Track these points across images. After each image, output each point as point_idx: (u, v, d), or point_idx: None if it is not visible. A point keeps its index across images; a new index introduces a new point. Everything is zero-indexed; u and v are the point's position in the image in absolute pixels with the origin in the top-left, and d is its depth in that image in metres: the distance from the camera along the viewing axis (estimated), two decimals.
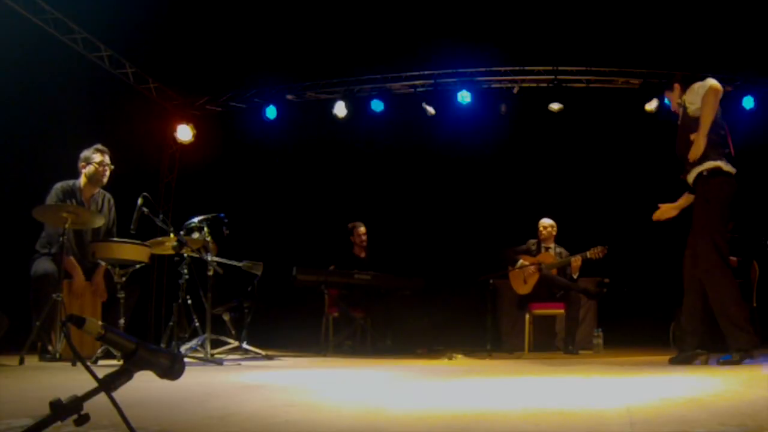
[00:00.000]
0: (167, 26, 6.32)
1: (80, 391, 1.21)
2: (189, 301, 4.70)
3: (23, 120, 5.46)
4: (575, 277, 6.03)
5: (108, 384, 1.23)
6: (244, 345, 4.92)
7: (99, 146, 4.72)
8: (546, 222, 6.35)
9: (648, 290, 7.01)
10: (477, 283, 6.13)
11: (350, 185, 8.04)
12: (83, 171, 4.70)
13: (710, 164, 3.80)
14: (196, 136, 7.83)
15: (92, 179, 4.68)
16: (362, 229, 6.90)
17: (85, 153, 4.70)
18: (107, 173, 4.72)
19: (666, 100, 7.04)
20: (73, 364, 3.67)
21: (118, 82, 7.12)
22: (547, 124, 7.30)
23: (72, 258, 4.43)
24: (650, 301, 6.85)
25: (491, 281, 6.01)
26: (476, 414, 1.87)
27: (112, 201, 4.88)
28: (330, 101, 7.72)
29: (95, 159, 4.67)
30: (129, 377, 1.27)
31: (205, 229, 4.58)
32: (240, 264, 4.97)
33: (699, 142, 3.74)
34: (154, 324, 7.67)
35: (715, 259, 3.66)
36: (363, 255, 6.91)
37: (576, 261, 5.93)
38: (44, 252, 4.50)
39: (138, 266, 4.29)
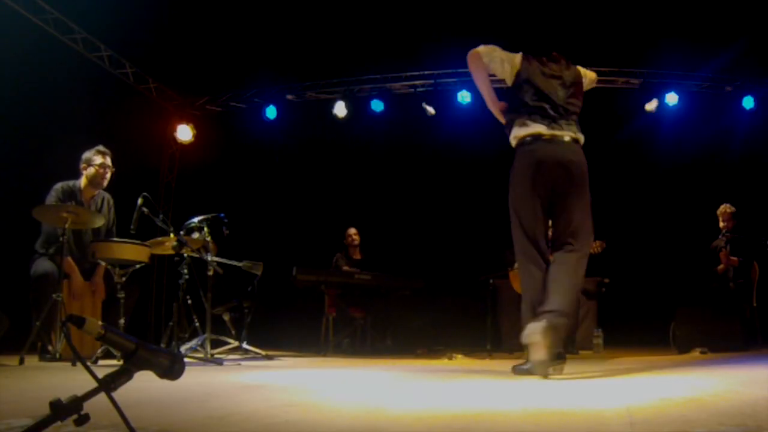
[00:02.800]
0: (167, 26, 6.32)
1: (80, 391, 1.21)
2: (189, 301, 4.70)
3: (23, 120, 5.46)
4: None
5: (108, 384, 1.23)
6: (244, 345, 4.92)
7: (101, 148, 4.71)
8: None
9: (648, 290, 7.01)
10: (477, 283, 6.12)
11: (350, 185, 8.04)
12: (84, 172, 4.69)
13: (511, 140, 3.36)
14: (196, 136, 7.83)
15: (92, 181, 4.67)
16: (352, 231, 6.98)
17: (87, 154, 4.70)
18: (108, 176, 4.71)
19: (666, 100, 7.11)
20: (73, 364, 3.67)
21: (118, 82, 7.12)
22: None
23: (69, 258, 4.41)
24: (650, 301, 6.85)
25: (491, 281, 6.01)
26: (476, 414, 1.87)
27: (111, 202, 4.88)
28: (330, 101, 7.72)
29: (96, 161, 4.66)
30: (129, 377, 1.27)
31: (205, 229, 4.58)
32: (240, 264, 4.97)
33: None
34: (154, 324, 7.67)
35: (515, 250, 3.31)
36: (358, 257, 6.93)
37: None
38: (44, 252, 4.50)
39: (138, 266, 4.29)
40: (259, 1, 6.53)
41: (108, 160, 4.71)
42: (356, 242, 6.97)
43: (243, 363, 4.40)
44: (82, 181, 4.70)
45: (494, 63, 3.37)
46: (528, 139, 3.24)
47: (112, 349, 2.93)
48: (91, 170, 4.66)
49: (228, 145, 8.24)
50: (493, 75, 3.45)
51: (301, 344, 6.43)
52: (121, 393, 1.24)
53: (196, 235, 4.59)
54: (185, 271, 4.59)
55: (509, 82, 3.41)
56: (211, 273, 4.53)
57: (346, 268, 6.74)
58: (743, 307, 5.78)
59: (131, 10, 5.64)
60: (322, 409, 2.03)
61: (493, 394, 2.46)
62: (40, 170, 5.26)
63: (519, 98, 3.34)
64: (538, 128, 3.22)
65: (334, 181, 8.08)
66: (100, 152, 4.68)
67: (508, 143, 3.40)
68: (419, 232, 7.93)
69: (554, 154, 3.20)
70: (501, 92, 3.44)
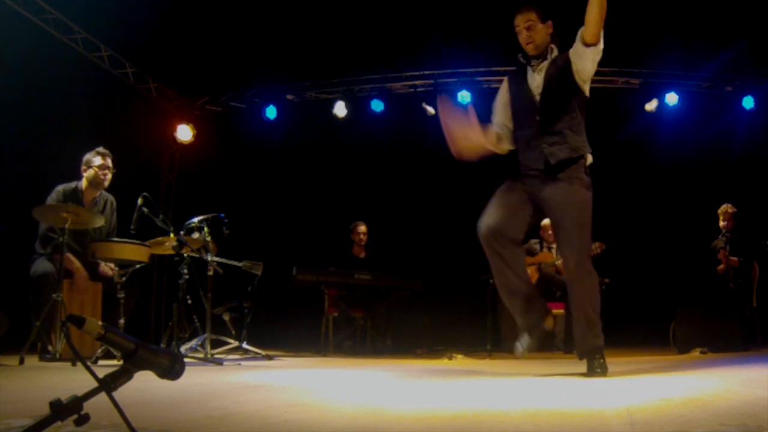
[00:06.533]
0: (167, 26, 6.32)
1: (80, 391, 1.21)
2: (189, 301, 4.70)
3: (23, 120, 5.46)
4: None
5: (108, 384, 1.23)
6: (244, 345, 4.92)
7: (101, 149, 4.70)
8: (546, 223, 6.35)
9: (648, 290, 7.01)
10: (477, 283, 6.12)
11: (350, 185, 8.04)
12: (84, 174, 4.69)
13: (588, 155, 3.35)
14: (196, 136, 7.83)
15: (93, 183, 4.67)
16: (362, 228, 6.92)
17: (87, 156, 4.69)
18: (108, 177, 4.70)
19: (666, 100, 7.11)
20: (73, 364, 3.67)
21: (118, 82, 7.12)
22: None
23: (68, 254, 4.38)
24: (650, 301, 6.85)
25: (491, 281, 5.99)
26: (476, 414, 1.87)
27: (114, 204, 4.87)
28: (330, 101, 7.72)
29: (96, 162, 4.65)
30: (129, 377, 1.26)
31: (205, 229, 4.58)
32: (240, 264, 4.97)
33: None
34: (154, 324, 7.67)
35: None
36: (362, 255, 6.91)
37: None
38: (43, 252, 4.50)
39: (138, 266, 4.30)
40: (259, 2, 6.52)
41: (108, 161, 4.70)
42: (363, 241, 6.93)
43: (243, 363, 4.41)
44: (83, 183, 4.69)
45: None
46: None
47: (112, 349, 2.92)
48: (91, 172, 4.66)
49: (228, 145, 8.23)
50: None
51: (301, 344, 6.42)
52: (121, 393, 1.24)
53: (196, 235, 4.59)
54: (185, 271, 4.58)
55: (588, 90, 3.19)
56: (211, 273, 4.53)
57: (332, 269, 6.67)
58: (743, 307, 5.77)
59: (131, 10, 5.64)
60: (321, 409, 2.03)
61: (493, 394, 2.46)
62: (40, 170, 5.26)
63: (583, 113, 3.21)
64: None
65: (334, 182, 8.07)
66: (100, 153, 4.68)
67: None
68: (419, 233, 7.92)
69: None
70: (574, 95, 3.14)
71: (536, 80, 3.14)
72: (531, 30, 3.09)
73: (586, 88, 3.14)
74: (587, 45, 2.93)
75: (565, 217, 3.10)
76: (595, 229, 6.75)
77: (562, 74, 3.08)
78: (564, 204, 3.08)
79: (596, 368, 3.00)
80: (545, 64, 3.13)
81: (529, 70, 3.17)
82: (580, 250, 3.10)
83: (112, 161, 4.73)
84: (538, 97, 3.11)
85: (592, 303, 3.10)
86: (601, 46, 2.94)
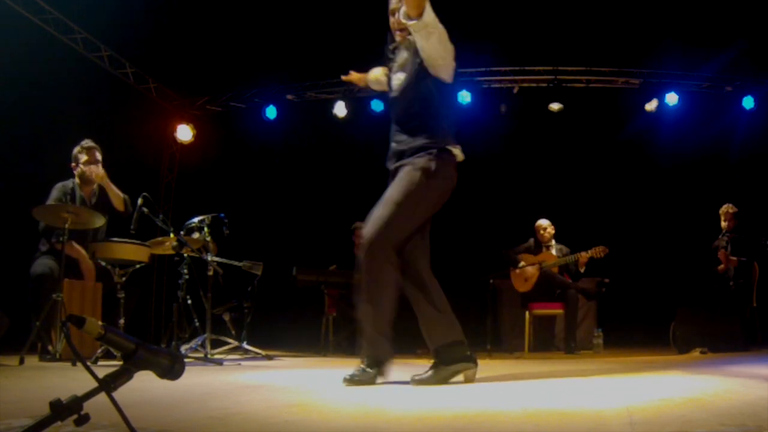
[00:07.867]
0: (167, 26, 6.32)
1: (80, 391, 1.21)
2: (189, 301, 4.70)
3: (23, 120, 5.46)
4: (582, 270, 6.04)
5: (108, 384, 1.23)
6: (244, 345, 4.92)
7: (86, 143, 4.61)
8: (543, 223, 6.35)
9: (648, 290, 7.01)
10: (477, 283, 6.12)
11: (350, 185, 8.04)
12: (75, 171, 4.67)
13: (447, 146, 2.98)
14: (196, 136, 7.83)
15: (82, 179, 4.64)
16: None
17: (74, 152, 4.64)
18: (98, 171, 4.56)
19: (666, 100, 7.11)
20: (73, 364, 3.67)
21: (118, 82, 7.12)
22: (547, 124, 7.30)
23: (72, 242, 4.30)
24: (650, 301, 6.85)
25: (491, 281, 6.01)
26: (476, 414, 1.87)
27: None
28: (330, 101, 7.72)
29: (81, 159, 4.61)
30: (129, 377, 1.26)
31: (205, 229, 4.58)
32: (240, 264, 4.97)
33: None
34: (154, 324, 7.67)
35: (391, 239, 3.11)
36: None
37: (583, 257, 5.93)
38: (46, 250, 4.49)
39: (138, 266, 4.29)
40: (259, 2, 6.52)
41: (95, 155, 4.60)
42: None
43: (243, 363, 4.40)
44: (77, 179, 4.67)
45: (443, 36, 2.69)
46: (458, 162, 2.89)
47: (112, 349, 2.92)
48: (79, 170, 4.63)
49: (228, 145, 8.24)
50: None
51: (301, 344, 6.42)
52: (121, 393, 1.24)
53: (196, 235, 4.59)
54: (185, 271, 4.59)
55: (448, 76, 2.79)
56: (211, 273, 4.53)
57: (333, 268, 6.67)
58: (743, 307, 5.77)
59: (131, 10, 5.64)
60: (322, 410, 2.03)
61: (493, 394, 2.46)
62: (40, 170, 5.26)
63: (449, 103, 2.88)
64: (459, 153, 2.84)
65: (334, 181, 8.08)
66: (84, 149, 4.59)
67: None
68: None
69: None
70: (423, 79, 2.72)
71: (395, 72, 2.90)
72: (396, 15, 2.72)
73: (442, 74, 2.76)
74: (410, 19, 2.60)
75: (384, 194, 2.79)
76: (596, 229, 6.74)
77: (412, 64, 2.81)
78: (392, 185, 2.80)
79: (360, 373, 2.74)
80: (404, 53, 2.85)
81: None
82: (378, 225, 2.80)
83: (101, 153, 4.64)
84: (394, 93, 2.89)
85: (373, 300, 2.82)
86: (427, 18, 2.60)
